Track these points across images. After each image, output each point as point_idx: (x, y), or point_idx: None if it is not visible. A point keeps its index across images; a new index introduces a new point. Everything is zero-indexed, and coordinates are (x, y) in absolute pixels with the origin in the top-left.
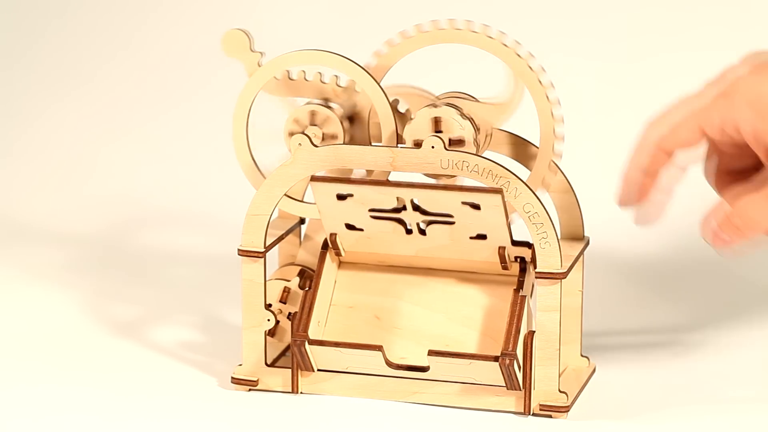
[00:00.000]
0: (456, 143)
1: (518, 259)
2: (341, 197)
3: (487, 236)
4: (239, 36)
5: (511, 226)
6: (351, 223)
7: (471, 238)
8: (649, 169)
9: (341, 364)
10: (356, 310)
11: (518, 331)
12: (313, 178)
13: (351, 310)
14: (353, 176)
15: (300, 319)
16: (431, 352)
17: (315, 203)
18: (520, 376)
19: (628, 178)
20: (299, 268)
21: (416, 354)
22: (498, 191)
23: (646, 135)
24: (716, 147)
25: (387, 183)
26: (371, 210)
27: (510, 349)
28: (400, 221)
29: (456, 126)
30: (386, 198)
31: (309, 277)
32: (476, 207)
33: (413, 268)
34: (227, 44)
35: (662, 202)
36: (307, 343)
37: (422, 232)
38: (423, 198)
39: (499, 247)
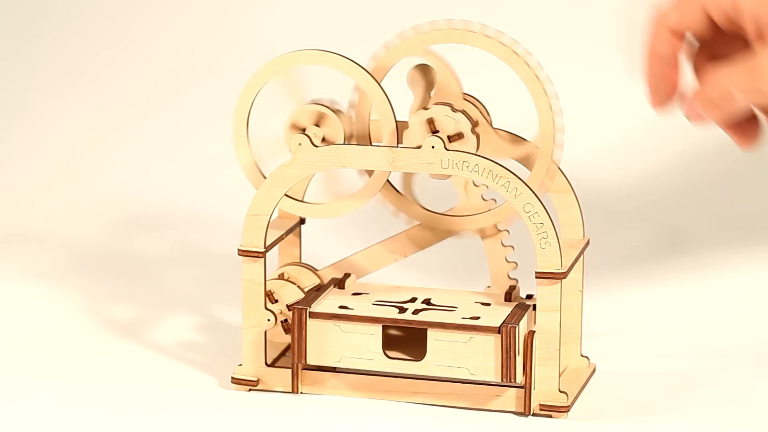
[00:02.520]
0: (455, 138)
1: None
2: (356, 294)
3: (480, 317)
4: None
5: (512, 225)
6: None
7: (463, 318)
8: (668, 57)
9: (336, 354)
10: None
11: (520, 317)
12: (311, 315)
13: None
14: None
15: (307, 296)
16: (432, 326)
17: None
18: (519, 361)
19: (650, 75)
20: (317, 283)
21: (414, 347)
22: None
23: (657, 22)
24: (708, 30)
25: (387, 320)
26: (377, 301)
27: (513, 321)
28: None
29: (450, 122)
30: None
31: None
32: (487, 305)
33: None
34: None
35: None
36: (307, 314)
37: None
38: (437, 297)
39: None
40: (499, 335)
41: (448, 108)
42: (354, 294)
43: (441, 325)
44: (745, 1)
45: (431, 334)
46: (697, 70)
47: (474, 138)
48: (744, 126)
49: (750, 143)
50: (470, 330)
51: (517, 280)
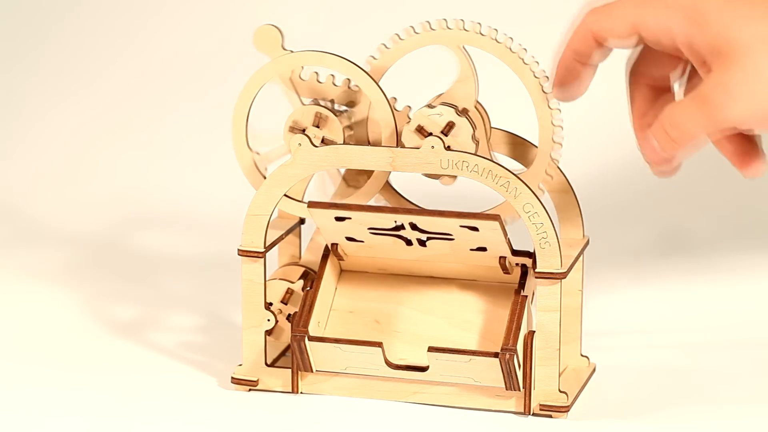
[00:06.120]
0: (447, 129)
1: (519, 265)
2: (339, 219)
3: (488, 248)
4: (272, 32)
5: (512, 225)
6: (351, 236)
7: (471, 249)
8: (580, 53)
9: (340, 364)
10: (356, 314)
11: (518, 328)
12: (310, 204)
13: (351, 315)
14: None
15: (300, 316)
16: (431, 349)
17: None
18: (520, 374)
19: (561, 63)
20: (303, 269)
21: (416, 354)
22: (495, 218)
23: (583, 21)
24: (646, 45)
25: (384, 209)
26: (370, 228)
27: (510, 344)
28: (401, 236)
29: (435, 119)
30: (384, 220)
31: (312, 278)
32: (474, 229)
33: (414, 276)
34: (259, 39)
35: (586, 78)
36: (306, 339)
37: (422, 243)
38: (421, 221)
39: (500, 257)
40: (497, 359)
41: (426, 108)
42: (338, 219)
43: (439, 350)
44: (676, 26)
45: (430, 355)
46: (633, 85)
47: (464, 119)
48: (742, 151)
49: (751, 168)
50: (469, 353)
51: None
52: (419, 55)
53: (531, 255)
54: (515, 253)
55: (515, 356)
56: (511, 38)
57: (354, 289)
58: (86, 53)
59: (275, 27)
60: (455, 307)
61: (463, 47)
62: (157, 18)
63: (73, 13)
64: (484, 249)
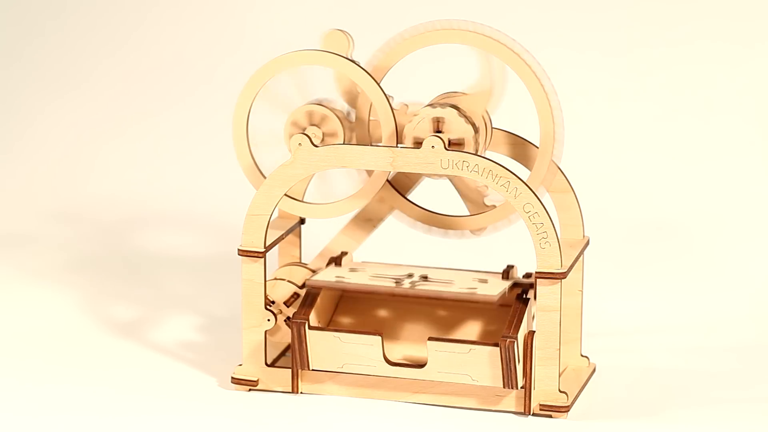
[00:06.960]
0: (456, 144)
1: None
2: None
3: (488, 281)
4: (340, 37)
5: (512, 225)
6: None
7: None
8: None
9: (338, 360)
10: (356, 326)
11: (519, 322)
12: (309, 284)
13: (351, 327)
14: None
15: (303, 306)
16: (431, 338)
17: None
18: (519, 369)
19: None
20: (310, 273)
21: (414, 353)
22: (492, 299)
23: None
24: None
25: (380, 289)
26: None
27: (511, 333)
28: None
29: (457, 127)
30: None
31: None
32: (484, 281)
33: (415, 297)
34: (328, 44)
35: None
36: (306, 326)
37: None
38: (434, 274)
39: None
40: (498, 348)
41: (456, 112)
42: (351, 270)
43: (440, 339)
44: None
45: (431, 345)
46: None
47: (474, 147)
48: None
49: None
50: (469, 342)
51: None
52: (420, 55)
53: (531, 285)
54: (516, 285)
55: (515, 344)
56: (514, 39)
57: (354, 306)
58: (84, 50)
59: (344, 32)
60: (456, 321)
61: (489, 56)
62: (155, 14)
63: (70, 10)
64: (484, 281)
